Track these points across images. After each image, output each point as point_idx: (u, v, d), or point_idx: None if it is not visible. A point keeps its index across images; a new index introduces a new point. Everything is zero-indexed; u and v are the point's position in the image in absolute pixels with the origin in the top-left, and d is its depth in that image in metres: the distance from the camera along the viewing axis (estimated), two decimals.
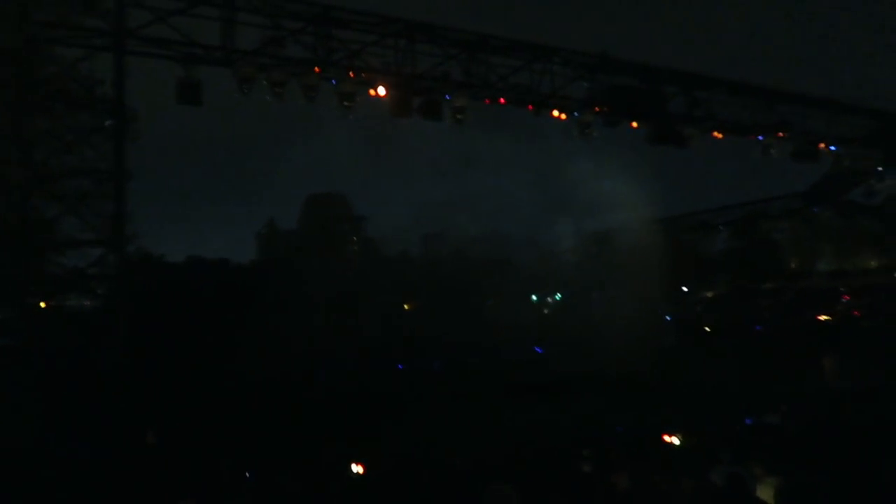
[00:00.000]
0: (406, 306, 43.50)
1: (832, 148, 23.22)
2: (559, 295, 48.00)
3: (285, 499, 6.80)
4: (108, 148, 13.61)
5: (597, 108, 18.49)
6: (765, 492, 4.80)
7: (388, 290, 39.41)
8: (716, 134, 20.59)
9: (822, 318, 36.35)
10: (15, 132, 11.57)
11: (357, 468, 8.12)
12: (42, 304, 13.97)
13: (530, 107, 18.06)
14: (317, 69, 15.30)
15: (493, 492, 4.07)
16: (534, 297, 49.17)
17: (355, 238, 48.58)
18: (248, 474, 7.77)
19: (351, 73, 15.67)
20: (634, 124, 19.08)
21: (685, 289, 42.00)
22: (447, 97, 16.80)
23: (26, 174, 12.04)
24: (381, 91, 16.06)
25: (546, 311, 46.93)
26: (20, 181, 11.98)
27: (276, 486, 7.24)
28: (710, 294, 46.38)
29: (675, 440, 10.15)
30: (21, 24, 11.65)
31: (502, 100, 17.82)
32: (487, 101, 17.72)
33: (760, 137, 21.29)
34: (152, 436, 12.43)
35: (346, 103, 15.60)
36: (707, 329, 36.29)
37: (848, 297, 42.01)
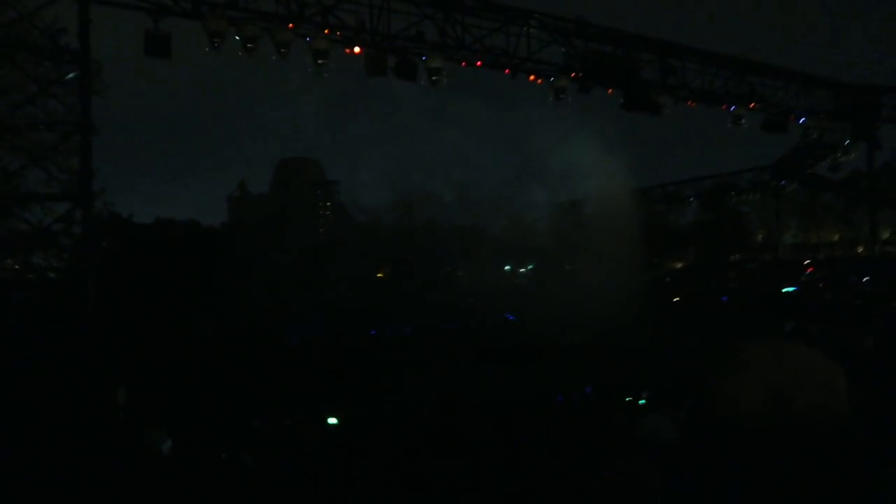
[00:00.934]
0: (379, 274, 43.53)
1: (801, 120, 23.61)
2: (531, 265, 48.39)
3: (259, 442, 6.82)
4: (74, 100, 13.23)
5: (572, 74, 18.48)
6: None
7: (360, 256, 39.36)
8: (689, 102, 20.78)
9: (787, 289, 37.21)
10: None
11: (332, 420, 8.15)
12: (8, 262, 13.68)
13: (506, 70, 17.97)
14: (290, 25, 14.99)
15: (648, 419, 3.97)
16: (507, 267, 49.51)
17: (328, 203, 48.22)
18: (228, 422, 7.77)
19: (325, 31, 15.39)
20: (609, 90, 19.11)
21: (655, 260, 42.58)
22: (423, 58, 16.63)
23: None
24: (356, 50, 15.84)
25: (518, 280, 47.32)
26: None
27: (252, 431, 7.25)
28: (679, 265, 47.14)
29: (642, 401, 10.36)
30: None
31: (479, 62, 17.69)
32: (464, 63, 17.58)
33: (732, 108, 21.55)
34: (122, 394, 12.34)
35: (319, 61, 15.34)
36: (676, 299, 36.94)
37: (812, 269, 43.05)
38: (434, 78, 16.72)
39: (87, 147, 13.01)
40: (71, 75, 13.26)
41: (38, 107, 12.92)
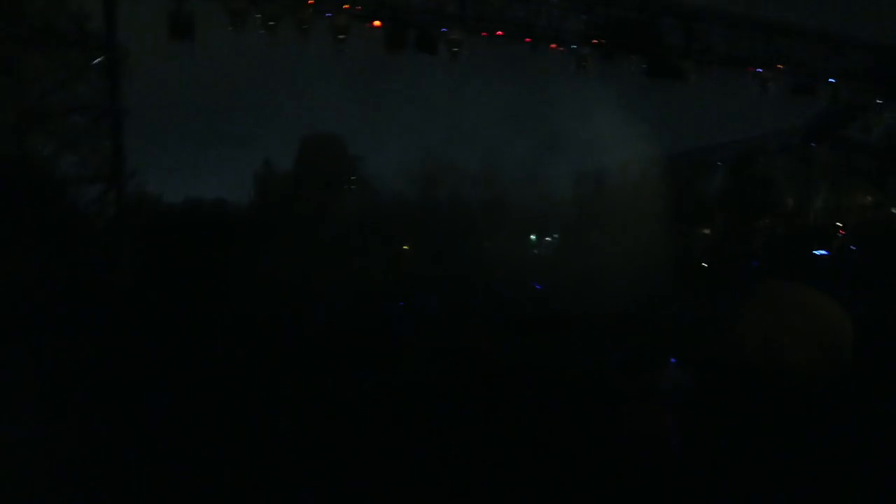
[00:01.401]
0: (405, 247, 43.76)
1: (830, 81, 23.07)
2: (557, 235, 48.27)
3: (294, 409, 7.09)
4: (103, 85, 13.51)
5: (594, 41, 18.30)
6: None
7: (386, 231, 39.59)
8: (714, 67, 20.46)
9: (819, 253, 36.73)
10: (6, 67, 11.49)
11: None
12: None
13: (527, 39, 17.86)
14: (310, 1, 15.06)
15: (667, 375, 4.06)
16: (532, 237, 49.45)
17: (352, 178, 48.44)
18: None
19: (345, 6, 15.43)
20: (632, 58, 18.91)
21: (683, 227, 42.23)
22: (443, 30, 16.60)
23: (21, 111, 12.01)
24: (376, 24, 15.87)
25: (542, 251, 47.27)
26: (14, 118, 11.97)
27: (287, 400, 7.52)
28: (707, 232, 46.69)
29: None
30: None
31: (499, 32, 17.60)
32: (484, 34, 17.51)
33: (759, 71, 21.15)
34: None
35: (340, 37, 15.42)
36: (704, 265, 36.71)
37: (844, 233, 42.37)
38: (454, 49, 16.71)
39: (118, 130, 13.33)
40: (98, 60, 13.53)
41: (67, 93, 13.23)
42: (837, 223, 43.48)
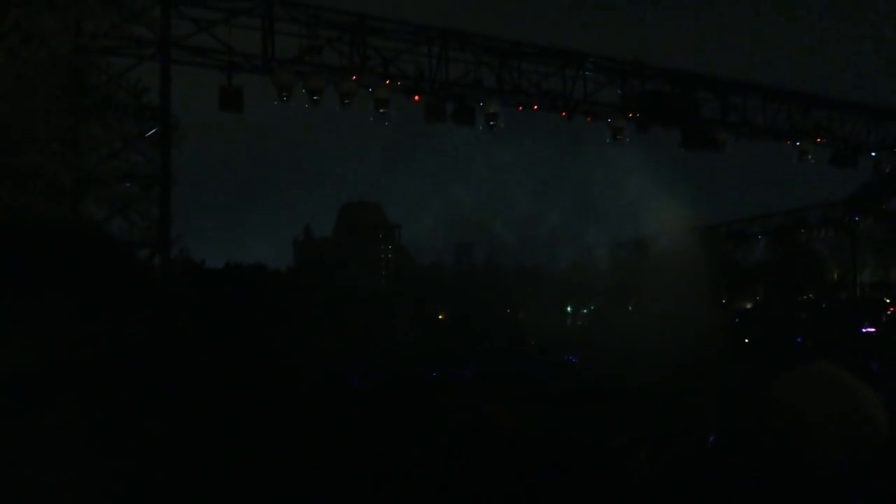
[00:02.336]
0: (440, 316, 43.70)
1: (872, 154, 22.88)
2: (592, 305, 47.72)
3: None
4: (154, 153, 14.16)
5: (629, 114, 18.57)
6: None
7: (421, 298, 39.71)
8: (751, 139, 20.50)
9: (867, 329, 35.50)
10: (67, 137, 12.14)
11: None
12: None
13: (563, 113, 18.22)
14: (353, 77, 15.71)
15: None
16: (568, 308, 48.97)
17: (389, 246, 49.12)
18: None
19: (386, 81, 16.05)
20: (667, 129, 19.09)
21: (723, 299, 41.41)
22: (480, 103, 17.08)
23: (78, 178, 12.60)
24: (416, 97, 16.42)
25: (579, 322, 46.68)
26: (71, 184, 12.55)
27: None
28: (748, 305, 45.64)
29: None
30: (76, 33, 12.27)
31: (535, 106, 18.02)
32: (520, 107, 17.94)
33: (798, 143, 21.09)
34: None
35: (381, 110, 15.98)
36: (746, 340, 35.72)
37: (894, 309, 40.96)
38: (491, 122, 17.13)
39: (166, 197, 13.88)
40: (152, 132, 14.23)
41: (122, 160, 13.89)
42: (886, 299, 42.13)
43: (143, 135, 14.15)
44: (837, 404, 1.48)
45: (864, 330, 35.48)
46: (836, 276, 46.88)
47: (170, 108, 14.01)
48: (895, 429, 1.55)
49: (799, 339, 36.04)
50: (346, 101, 15.71)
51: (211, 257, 30.16)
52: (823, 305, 43.18)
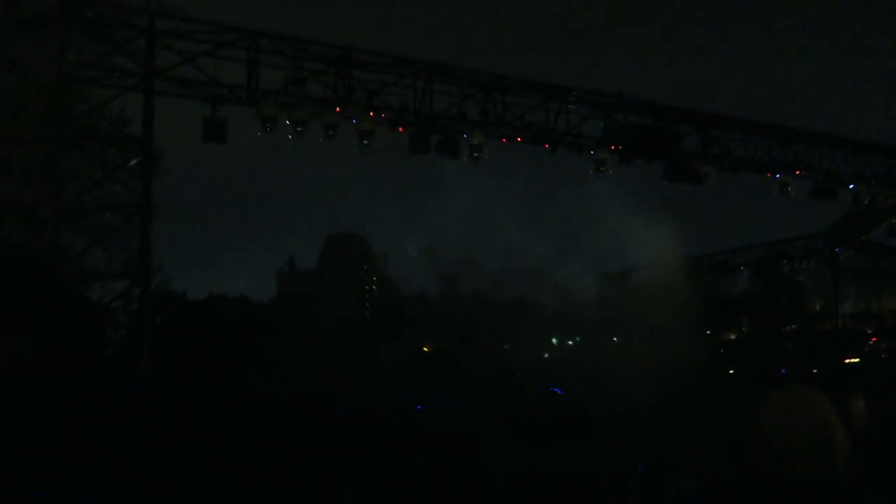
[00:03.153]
0: (425, 349, 43.43)
1: (851, 186, 23.23)
2: (578, 337, 47.67)
3: None
4: (136, 184, 14.05)
5: (612, 147, 18.75)
6: None
7: (407, 330, 39.46)
8: (733, 172, 20.75)
9: (849, 360, 35.67)
10: (47, 167, 12.04)
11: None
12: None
13: (546, 145, 18.36)
14: (338, 109, 15.75)
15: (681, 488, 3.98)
16: (553, 340, 48.88)
17: (374, 277, 48.97)
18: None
19: (370, 113, 16.10)
20: (649, 162, 19.27)
21: (708, 330, 41.52)
22: (464, 135, 17.17)
23: (57, 207, 12.46)
24: (400, 129, 16.49)
25: (564, 354, 46.56)
26: (51, 214, 12.41)
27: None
28: (732, 336, 45.77)
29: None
30: (56, 64, 12.25)
31: (519, 138, 18.15)
32: (504, 139, 18.06)
33: (778, 176, 21.39)
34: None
35: (365, 141, 16.00)
36: (731, 372, 35.74)
37: (876, 339, 41.24)
38: (476, 154, 17.20)
39: (146, 228, 13.73)
40: (134, 162, 14.13)
41: (102, 190, 13.76)
42: (868, 329, 42.44)
43: (125, 165, 14.04)
44: (807, 430, 1.49)
45: (847, 361, 35.66)
46: (818, 306, 47.25)
47: (152, 138, 13.94)
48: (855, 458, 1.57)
49: (784, 371, 36.16)
50: (331, 133, 15.72)
51: (195, 290, 29.81)
52: (807, 336, 43.42)
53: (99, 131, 13.62)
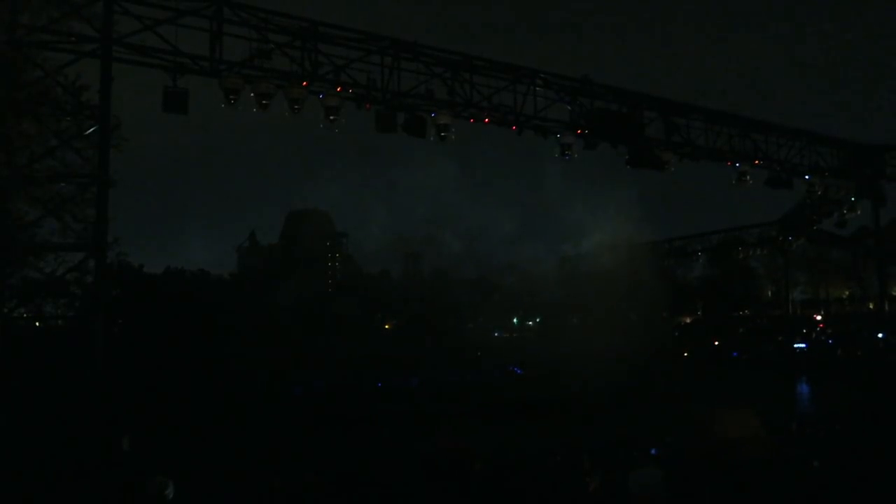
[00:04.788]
0: (386, 325, 43.43)
1: (806, 177, 23.86)
2: (538, 318, 48.27)
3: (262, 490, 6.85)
4: (92, 154, 13.58)
5: (578, 131, 18.86)
6: None
7: (368, 307, 39.39)
8: (693, 159, 21.12)
9: (797, 345, 36.92)
10: None
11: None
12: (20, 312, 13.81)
13: (513, 127, 18.37)
14: (304, 83, 15.48)
15: (639, 474, 4.07)
16: (515, 321, 49.39)
17: (336, 255, 48.56)
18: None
19: (337, 88, 15.86)
20: (614, 147, 19.46)
21: (664, 313, 42.47)
22: (432, 114, 17.06)
23: (8, 176, 12.00)
24: (367, 106, 16.30)
25: (525, 334, 47.12)
26: (1, 182, 11.94)
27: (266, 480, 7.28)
28: (688, 319, 46.88)
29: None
30: (9, 26, 11.71)
31: (486, 119, 18.11)
32: (472, 119, 18.01)
33: (737, 165, 21.85)
34: (127, 442, 12.35)
35: (331, 117, 15.78)
36: (685, 354, 36.67)
37: (823, 326, 42.73)
38: (442, 134, 17.12)
39: (103, 199, 13.31)
40: (91, 130, 13.65)
41: (57, 159, 13.27)
42: (816, 316, 43.91)
43: (81, 134, 13.56)
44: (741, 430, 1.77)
45: (795, 346, 36.91)
46: (770, 293, 48.67)
47: (110, 106, 13.46)
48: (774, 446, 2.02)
49: (735, 354, 37.24)
50: (296, 108, 15.43)
51: (151, 263, 29.16)
52: (758, 321, 44.73)
53: (53, 97, 13.09)
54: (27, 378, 12.47)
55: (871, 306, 40.47)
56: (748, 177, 21.98)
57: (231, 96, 14.74)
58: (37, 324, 15.00)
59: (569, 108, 18.95)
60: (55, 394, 12.47)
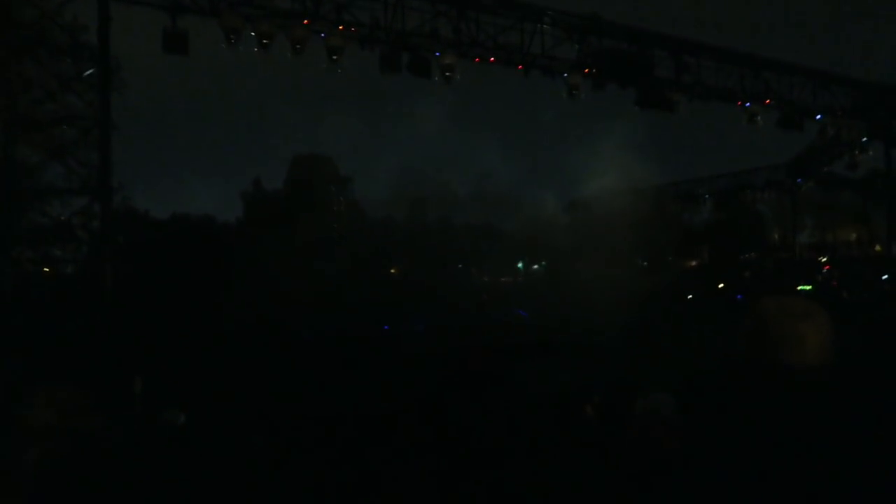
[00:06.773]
0: (392, 270, 43.65)
1: (818, 117, 23.44)
2: (544, 262, 48.40)
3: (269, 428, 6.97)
4: (93, 97, 13.45)
5: (586, 71, 18.49)
6: None
7: (374, 252, 39.54)
8: (704, 99, 20.73)
9: (802, 287, 37.00)
10: None
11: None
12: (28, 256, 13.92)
13: (520, 67, 18.02)
14: (305, 22, 15.14)
15: (649, 399, 4.07)
16: (519, 265, 49.54)
17: (341, 199, 48.47)
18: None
19: (340, 28, 15.53)
20: (623, 87, 19.11)
21: (670, 258, 42.53)
22: (436, 55, 16.73)
23: (9, 119, 11.91)
24: (371, 47, 15.99)
25: (529, 279, 47.34)
26: (3, 126, 11.87)
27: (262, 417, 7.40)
28: (693, 263, 46.94)
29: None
30: None
31: (492, 59, 17.76)
32: (477, 59, 17.65)
33: (747, 105, 21.44)
34: (139, 384, 12.59)
35: (333, 58, 15.49)
36: (689, 297, 36.83)
37: (828, 268, 42.73)
38: (447, 74, 16.82)
39: (106, 143, 13.23)
40: (90, 72, 13.47)
41: (58, 103, 13.14)
42: (822, 258, 43.88)
43: (81, 76, 13.39)
44: (799, 329, 1.62)
45: (799, 288, 37.01)
46: (777, 236, 48.53)
47: (109, 48, 13.24)
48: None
49: (739, 297, 37.42)
50: (298, 48, 15.14)
51: (157, 208, 29.24)
52: (764, 264, 44.75)
53: (51, 39, 12.88)
54: (36, 321, 12.64)
55: (877, 248, 40.38)
56: (759, 117, 21.60)
57: (231, 36, 14.46)
58: (45, 269, 15.13)
59: (577, 46, 18.54)
60: (65, 337, 12.66)
